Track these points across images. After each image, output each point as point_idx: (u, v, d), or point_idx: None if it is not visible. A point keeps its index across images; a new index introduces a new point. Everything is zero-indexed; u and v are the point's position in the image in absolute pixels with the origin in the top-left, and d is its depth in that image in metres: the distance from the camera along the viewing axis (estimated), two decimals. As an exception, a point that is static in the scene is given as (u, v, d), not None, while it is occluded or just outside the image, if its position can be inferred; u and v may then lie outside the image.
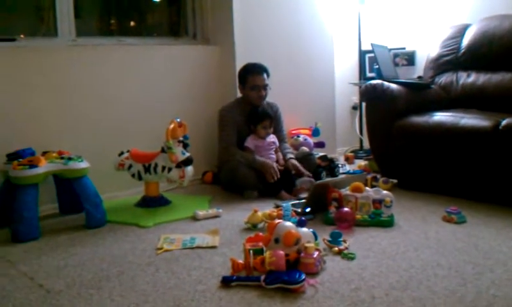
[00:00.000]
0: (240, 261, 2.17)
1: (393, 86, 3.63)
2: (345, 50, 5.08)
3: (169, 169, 3.20)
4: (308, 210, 2.93)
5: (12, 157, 2.94)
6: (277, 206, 3.10)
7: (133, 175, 3.28)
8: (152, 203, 3.29)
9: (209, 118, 4.00)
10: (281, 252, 2.10)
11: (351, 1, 4.97)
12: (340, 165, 4.18)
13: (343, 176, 4.00)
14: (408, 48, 4.92)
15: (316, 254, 2.16)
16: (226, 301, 1.92)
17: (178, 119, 3.24)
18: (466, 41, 3.99)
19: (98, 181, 3.06)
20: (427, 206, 3.11)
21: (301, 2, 4.48)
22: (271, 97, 3.84)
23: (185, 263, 2.32)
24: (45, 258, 2.45)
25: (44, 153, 2.99)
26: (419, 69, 4.61)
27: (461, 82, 3.91)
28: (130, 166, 3.26)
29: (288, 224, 2.27)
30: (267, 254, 2.12)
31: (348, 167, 4.35)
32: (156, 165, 3.22)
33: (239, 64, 3.87)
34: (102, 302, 1.95)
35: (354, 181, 2.98)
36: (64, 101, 3.37)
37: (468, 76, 3.90)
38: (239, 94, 3.85)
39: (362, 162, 4.33)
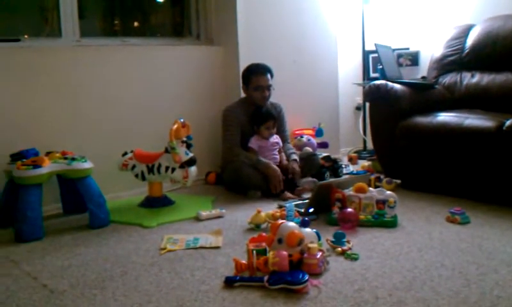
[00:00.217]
0: (244, 261, 2.17)
1: (397, 86, 3.62)
2: (348, 50, 5.08)
3: (173, 170, 3.20)
4: (311, 210, 2.93)
5: (16, 157, 2.95)
6: (280, 207, 3.10)
7: (136, 175, 3.28)
8: (156, 203, 3.30)
9: (213, 118, 4.00)
10: (285, 253, 2.10)
11: (355, 1, 4.96)
12: (343, 166, 4.18)
13: (346, 176, 4.00)
14: (412, 49, 4.91)
15: (319, 254, 2.16)
16: (229, 301, 1.92)
17: (182, 120, 3.25)
18: (470, 41, 3.98)
19: (102, 181, 3.06)
20: (430, 206, 3.10)
21: (304, 3, 4.47)
22: (275, 97, 3.84)
23: (188, 263, 2.32)
24: (48, 258, 2.46)
25: (48, 154, 3.00)
26: (423, 69, 4.60)
27: (465, 82, 3.90)
28: (133, 166, 3.27)
29: (292, 224, 2.27)
30: (270, 254, 2.12)
31: (351, 168, 4.35)
32: (160, 165, 3.22)
33: (243, 65, 3.87)
34: (106, 302, 1.96)
35: (357, 181, 2.98)
36: (68, 101, 3.38)
37: (472, 76, 3.89)
38: (243, 95, 3.85)
39: (366, 163, 4.33)
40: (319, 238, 2.34)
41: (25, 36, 3.43)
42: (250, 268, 2.14)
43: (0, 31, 3.34)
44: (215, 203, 3.39)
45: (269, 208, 3.06)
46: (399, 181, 3.61)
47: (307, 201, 3.09)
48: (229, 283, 2.06)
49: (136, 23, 4.43)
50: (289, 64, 4.38)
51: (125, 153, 3.30)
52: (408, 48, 4.93)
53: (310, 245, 2.16)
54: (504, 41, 3.75)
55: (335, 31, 4.74)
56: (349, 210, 2.78)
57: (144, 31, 4.41)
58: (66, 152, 3.03)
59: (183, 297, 1.97)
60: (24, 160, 2.85)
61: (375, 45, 4.24)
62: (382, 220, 2.76)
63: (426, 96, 3.78)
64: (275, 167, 3.51)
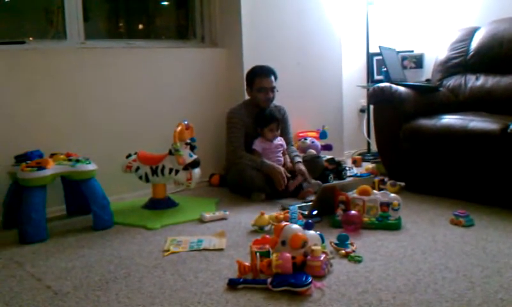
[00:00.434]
0: (247, 263, 2.17)
1: (401, 88, 3.62)
2: (353, 52, 5.07)
3: (177, 172, 3.21)
4: (315, 212, 2.92)
5: (20, 158, 2.95)
6: (284, 209, 3.10)
7: (140, 177, 3.29)
8: (159, 205, 3.30)
9: (217, 120, 4.01)
10: (288, 255, 2.10)
11: (359, 3, 4.96)
12: (347, 168, 4.17)
13: (350, 179, 3.99)
14: (416, 51, 4.90)
15: (323, 257, 2.16)
16: (232, 304, 1.92)
17: (186, 122, 3.25)
18: (475, 44, 3.97)
19: (106, 183, 3.07)
20: (434, 209, 3.10)
21: (309, 5, 4.47)
22: (279, 100, 3.84)
23: (191, 265, 2.32)
24: (52, 259, 2.46)
25: (52, 155, 3.01)
26: (427, 72, 4.59)
27: (469, 85, 3.90)
28: (137, 168, 3.27)
29: (295, 226, 2.27)
30: (273, 256, 2.12)
31: (355, 170, 4.33)
32: (163, 167, 3.22)
33: (247, 67, 3.87)
34: (109, 304, 1.96)
35: (361, 184, 2.98)
36: (72, 103, 3.39)
37: (477, 79, 3.88)
38: (247, 97, 3.85)
39: (370, 165, 4.32)
40: (323, 241, 2.34)
41: (30, 39, 3.44)
42: (254, 270, 2.13)
43: (6, 33, 3.35)
44: (218, 205, 3.39)
45: (272, 211, 3.06)
46: (403, 183, 3.60)
47: (311, 203, 3.10)
48: (232, 285, 2.06)
49: (140, 26, 4.44)
50: (293, 67, 4.38)
51: (129, 155, 3.30)
52: (412, 51, 4.93)
53: (314, 247, 2.16)
54: (509, 43, 3.74)
55: (339, 33, 4.74)
56: (353, 212, 2.78)
57: (148, 34, 4.42)
58: (70, 154, 3.04)
59: (186, 299, 1.97)
60: (29, 161, 2.86)
61: (379, 47, 4.24)
62: (386, 223, 2.76)
63: (430, 98, 3.77)
64: (280, 168, 3.51)
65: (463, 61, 4.01)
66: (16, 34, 3.38)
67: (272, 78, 3.72)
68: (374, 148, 4.69)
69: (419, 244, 2.50)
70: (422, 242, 2.52)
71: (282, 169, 3.52)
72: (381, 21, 5.11)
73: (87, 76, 3.45)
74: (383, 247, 2.48)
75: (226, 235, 2.74)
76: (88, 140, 3.42)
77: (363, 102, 5.13)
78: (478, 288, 1.97)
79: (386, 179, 3.65)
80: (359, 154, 4.96)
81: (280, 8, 4.27)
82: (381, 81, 4.01)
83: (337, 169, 3.99)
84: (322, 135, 4.43)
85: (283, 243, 2.18)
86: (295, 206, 2.97)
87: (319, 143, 4.31)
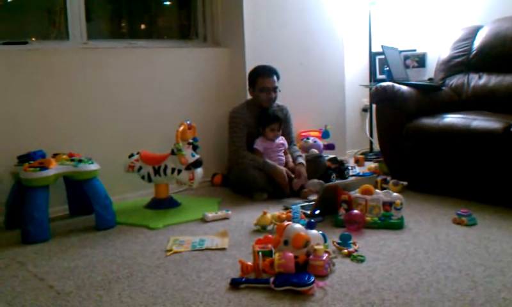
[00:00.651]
0: (249, 263, 2.17)
1: (404, 87, 3.61)
2: (355, 52, 5.07)
3: (179, 171, 3.21)
4: (317, 212, 2.92)
5: (23, 159, 2.96)
6: (286, 208, 3.10)
7: (143, 177, 3.29)
8: (162, 204, 3.31)
9: (219, 120, 4.01)
10: (291, 255, 2.10)
11: (362, 3, 4.96)
12: (349, 168, 4.17)
13: (353, 178, 3.98)
14: (419, 50, 4.90)
15: (325, 256, 2.16)
16: (235, 303, 1.92)
17: (188, 122, 3.25)
18: (477, 42, 3.96)
19: (108, 183, 3.07)
20: (437, 208, 3.09)
21: (311, 4, 4.47)
22: (281, 99, 3.84)
23: (194, 265, 2.33)
24: (55, 259, 2.47)
25: (54, 155, 3.01)
26: (430, 71, 4.58)
27: (472, 84, 3.89)
28: (140, 168, 3.27)
29: (298, 226, 2.27)
30: (276, 256, 2.12)
31: (358, 170, 4.33)
32: (166, 167, 3.23)
33: (249, 67, 3.87)
34: (112, 304, 1.96)
35: (364, 183, 2.97)
36: (75, 103, 3.39)
37: (480, 78, 3.87)
38: (249, 97, 3.85)
39: (372, 164, 4.32)
40: (325, 240, 2.34)
41: (33, 39, 3.45)
42: (256, 269, 2.13)
43: (8, 34, 3.35)
44: (221, 205, 3.39)
45: (275, 210, 3.06)
46: (405, 183, 3.59)
47: (313, 203, 3.09)
48: (235, 284, 2.06)
49: (142, 26, 4.44)
50: (296, 66, 4.38)
51: (132, 155, 3.31)
52: (414, 50, 4.92)
53: (316, 247, 2.16)
54: (512, 42, 3.74)
55: (341, 33, 4.74)
56: (356, 211, 2.77)
57: (151, 34, 4.42)
58: (73, 154, 3.04)
59: (189, 298, 1.98)
60: (31, 162, 2.87)
61: (382, 46, 4.24)
62: (388, 222, 2.75)
63: (433, 97, 3.76)
64: (281, 168, 3.51)
65: (465, 60, 4.01)
66: (19, 35, 3.39)
67: (275, 78, 3.72)
68: (376, 147, 4.68)
69: (422, 243, 2.49)
70: (424, 242, 2.52)
71: (284, 169, 3.52)
72: (383, 20, 5.10)
73: (89, 76, 3.45)
74: (385, 246, 2.48)
75: (229, 234, 2.74)
76: (91, 140, 3.42)
77: (366, 101, 5.13)
78: (481, 288, 1.97)
79: (388, 178, 3.65)
80: (361, 153, 4.96)
81: (282, 8, 4.27)
82: (383, 80, 4.00)
83: (339, 168, 3.98)
84: (325, 134, 4.43)
85: (286, 242, 2.18)
86: (297, 205, 2.97)
87: (321, 143, 4.31)
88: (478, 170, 3.16)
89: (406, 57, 4.83)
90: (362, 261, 2.29)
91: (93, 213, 2.97)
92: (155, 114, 3.75)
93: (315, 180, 3.63)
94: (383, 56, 4.49)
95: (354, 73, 5.04)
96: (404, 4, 5.03)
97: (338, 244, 2.45)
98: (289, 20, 4.32)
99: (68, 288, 2.11)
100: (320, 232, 2.35)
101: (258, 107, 3.73)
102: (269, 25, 4.19)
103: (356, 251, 2.39)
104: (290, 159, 3.73)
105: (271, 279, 2.02)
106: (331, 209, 2.89)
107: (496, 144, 3.04)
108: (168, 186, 3.37)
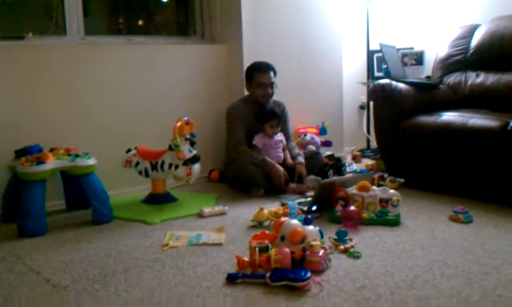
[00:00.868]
0: (246, 258, 2.17)
1: (401, 85, 3.62)
2: (353, 49, 5.07)
3: (176, 167, 3.21)
4: (314, 208, 2.93)
5: (20, 153, 2.96)
6: (283, 204, 3.10)
7: (140, 172, 3.29)
8: (159, 199, 3.31)
9: (216, 116, 4.01)
10: (287, 250, 2.10)
11: (360, 1, 4.96)
12: (347, 164, 4.18)
13: (350, 175, 4.00)
14: (417, 48, 4.90)
15: (321, 252, 2.16)
16: (231, 298, 1.93)
17: (186, 118, 3.25)
18: (475, 41, 3.97)
19: (106, 177, 3.07)
20: (434, 205, 3.10)
21: (309, 2, 4.47)
22: (279, 96, 3.84)
23: (190, 259, 2.33)
24: (51, 253, 2.47)
25: (52, 150, 3.01)
26: (427, 69, 4.58)
27: (469, 82, 3.89)
28: (137, 163, 3.27)
29: (294, 222, 2.28)
30: (272, 251, 2.12)
31: (355, 166, 4.34)
32: (163, 162, 3.23)
33: (247, 64, 3.86)
34: (108, 298, 1.96)
35: (361, 180, 2.98)
36: (72, 99, 3.39)
37: (477, 76, 3.88)
38: (246, 93, 3.85)
39: (369, 161, 4.32)
40: (322, 236, 2.34)
41: (30, 34, 3.44)
42: (252, 265, 2.14)
43: (5, 29, 3.35)
44: (218, 201, 3.39)
45: (272, 206, 3.07)
46: (402, 180, 3.60)
47: (310, 199, 3.10)
48: (231, 279, 2.06)
49: (140, 22, 4.44)
50: (294, 63, 4.38)
51: (129, 150, 3.30)
52: (412, 48, 4.92)
53: (313, 242, 2.16)
54: (510, 41, 3.73)
55: (339, 30, 4.74)
56: (352, 208, 2.78)
57: (148, 30, 4.42)
58: (70, 149, 3.04)
59: (185, 293, 1.98)
60: (28, 156, 2.87)
61: (379, 44, 4.24)
62: (385, 219, 2.76)
63: (430, 95, 3.77)
64: (279, 167, 3.51)
65: (463, 59, 4.01)
66: (16, 30, 3.38)
67: (271, 74, 3.72)
68: (373, 144, 4.70)
69: (418, 240, 2.50)
70: (420, 238, 2.53)
71: (282, 170, 3.51)
72: (381, 18, 5.11)
73: (87, 71, 3.45)
74: (381, 242, 2.48)
75: (225, 230, 2.74)
76: (88, 135, 3.42)
77: (363, 98, 5.13)
78: (476, 285, 1.98)
79: (385, 175, 3.65)
80: (359, 150, 4.97)
81: (280, 5, 4.27)
82: (381, 78, 4.00)
83: (337, 165, 4.00)
84: (322, 131, 4.43)
85: (282, 238, 2.19)
86: (294, 201, 2.97)
87: (318, 139, 4.31)
88: (475, 168, 3.16)
89: (404, 55, 4.84)
90: (358, 257, 2.30)
91: (89, 208, 2.97)
92: (152, 109, 3.75)
93: (313, 177, 3.65)
94: (380, 54, 4.49)
95: (352, 71, 5.05)
96: (402, 2, 5.04)
97: (334, 240, 2.45)
98: (287, 17, 4.32)
99: (64, 282, 2.11)
100: (317, 228, 2.35)
101: (255, 103, 3.74)
102: (267, 22, 4.19)
103: (352, 247, 2.39)
104: (289, 156, 3.73)
105: (267, 275, 2.02)
106: (327, 205, 2.90)
107: (493, 142, 3.04)
108: (165, 181, 3.37)
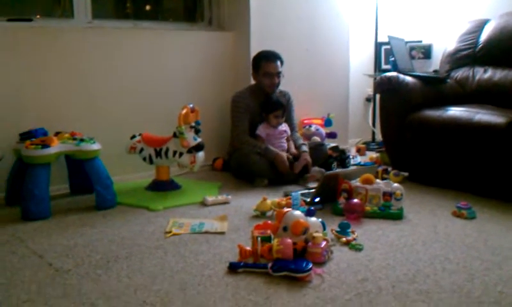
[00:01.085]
0: (248, 248, 2.18)
1: (409, 78, 3.60)
2: (361, 41, 5.05)
3: (180, 154, 3.21)
4: (317, 199, 2.93)
5: (25, 136, 2.97)
6: (286, 195, 3.10)
7: (144, 159, 3.29)
8: (162, 186, 3.31)
9: (222, 104, 4.00)
10: (289, 241, 2.10)
11: (369, -8, 4.93)
12: (351, 157, 4.17)
13: (354, 167, 3.99)
14: (425, 42, 4.87)
15: (324, 244, 2.16)
16: (232, 286, 1.93)
17: (191, 105, 3.25)
18: (484, 36, 3.94)
19: (110, 163, 3.08)
20: (437, 200, 3.09)
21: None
22: (285, 85, 3.83)
23: (193, 247, 2.33)
24: (54, 237, 2.48)
25: (57, 134, 3.02)
26: (435, 63, 4.56)
27: (477, 77, 3.87)
28: (141, 150, 3.28)
29: (297, 213, 2.27)
30: (274, 242, 2.12)
31: (359, 159, 4.33)
32: (167, 149, 3.23)
33: (254, 52, 3.85)
34: (110, 283, 1.97)
35: (364, 172, 2.97)
36: (78, 83, 3.39)
37: (485, 72, 3.85)
38: (253, 82, 3.84)
39: (374, 154, 4.32)
40: (324, 228, 2.34)
41: (37, 16, 3.44)
42: (254, 254, 2.14)
43: (13, 11, 3.34)
44: (221, 189, 3.40)
45: (275, 196, 3.07)
46: (406, 173, 3.59)
47: (313, 190, 3.10)
48: (233, 268, 2.07)
49: (148, 7, 4.41)
50: (301, 53, 4.36)
51: (134, 136, 3.31)
52: (420, 41, 4.90)
53: (315, 234, 2.16)
54: (519, 37, 3.72)
55: (347, 21, 4.71)
56: (355, 200, 2.78)
57: (156, 15, 4.39)
58: (75, 133, 3.04)
59: (187, 280, 1.99)
60: (33, 139, 2.87)
61: (388, 36, 4.22)
62: (388, 212, 2.76)
63: (437, 89, 3.75)
64: (282, 153, 3.51)
65: (471, 53, 3.99)
66: (24, 12, 3.37)
67: (279, 63, 3.70)
68: (378, 137, 4.68)
69: (420, 235, 2.50)
70: (423, 233, 2.52)
71: (285, 154, 3.51)
72: (390, 10, 5.08)
73: (93, 55, 3.44)
74: (384, 236, 2.48)
75: (228, 219, 2.75)
76: (93, 119, 3.42)
77: (370, 90, 5.11)
78: (477, 280, 1.98)
79: (389, 169, 3.65)
80: (363, 143, 4.96)
81: (288, -7, 4.25)
82: (388, 70, 3.99)
83: (341, 157, 3.99)
84: (327, 122, 4.42)
85: (285, 229, 2.18)
86: (297, 192, 2.97)
87: (323, 131, 4.30)
88: (480, 164, 3.15)
89: (412, 48, 4.81)
90: (360, 250, 2.30)
91: (93, 193, 2.97)
92: (158, 96, 3.75)
93: (316, 168, 3.64)
94: (388, 46, 4.47)
95: (359, 62, 5.03)
96: (412, -6, 5.00)
97: (337, 232, 2.45)
98: (295, 5, 4.29)
99: (66, 266, 2.12)
100: (320, 220, 2.35)
101: (261, 92, 3.72)
102: (276, 10, 4.17)
103: (354, 239, 2.40)
104: (292, 146, 3.72)
105: (269, 265, 2.02)
106: (331, 197, 2.90)
107: (499, 138, 3.03)
108: (169, 168, 3.37)
